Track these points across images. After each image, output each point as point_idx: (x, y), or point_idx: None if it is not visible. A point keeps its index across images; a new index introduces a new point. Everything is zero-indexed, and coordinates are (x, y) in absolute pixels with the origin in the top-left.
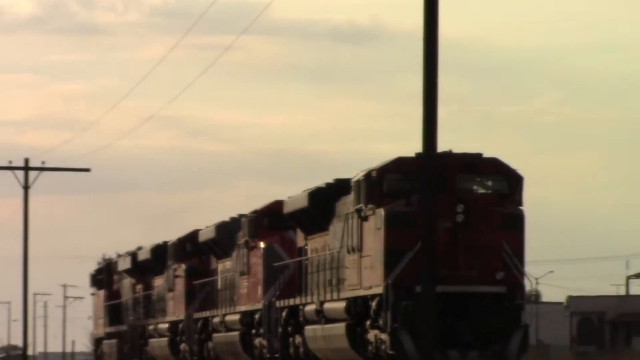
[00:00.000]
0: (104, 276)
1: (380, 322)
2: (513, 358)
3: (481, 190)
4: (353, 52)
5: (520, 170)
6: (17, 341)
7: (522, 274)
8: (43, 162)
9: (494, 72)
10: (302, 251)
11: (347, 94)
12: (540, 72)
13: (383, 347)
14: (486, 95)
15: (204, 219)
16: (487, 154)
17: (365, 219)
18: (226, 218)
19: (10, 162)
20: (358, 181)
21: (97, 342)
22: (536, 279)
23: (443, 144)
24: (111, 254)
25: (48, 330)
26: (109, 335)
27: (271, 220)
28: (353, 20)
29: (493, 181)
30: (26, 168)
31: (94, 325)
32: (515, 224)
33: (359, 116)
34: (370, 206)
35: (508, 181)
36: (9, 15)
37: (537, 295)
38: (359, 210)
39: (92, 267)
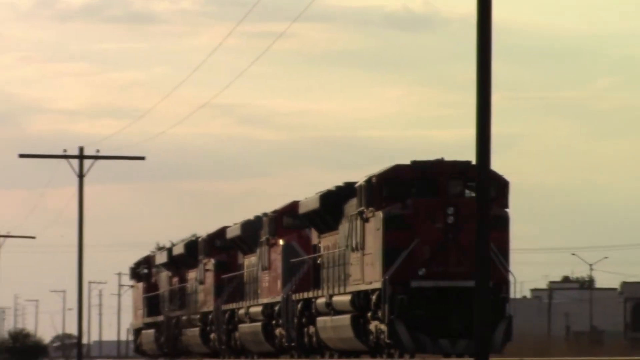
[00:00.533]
0: (143, 269)
1: (380, 313)
2: (498, 346)
3: (470, 195)
4: (407, 38)
5: (506, 176)
6: (72, 330)
7: (506, 270)
8: (97, 151)
9: (548, 58)
10: (315, 248)
11: (401, 81)
12: (596, 57)
13: (382, 336)
14: (540, 80)
15: (259, 206)
16: (542, 140)
17: (367, 220)
18: (277, 207)
19: (65, 150)
20: (360, 186)
21: (137, 332)
22: (590, 265)
23: (497, 130)
24: (165, 242)
25: (103, 318)
26: (147, 326)
27: (289, 219)
28: (407, 6)
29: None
30: (81, 157)
31: (133, 316)
32: (500, 224)
33: (414, 103)
34: (370, 209)
35: (494, 186)
36: (63, 4)
37: (591, 281)
38: (361, 213)
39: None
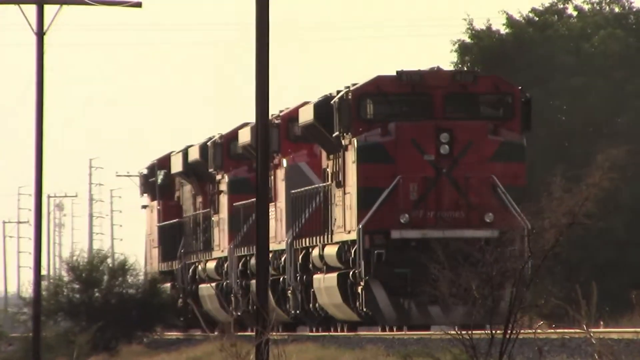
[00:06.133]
0: (158, 178)
1: (357, 272)
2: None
3: (472, 116)
4: None
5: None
6: None
7: (519, 214)
8: None
9: None
10: (324, 174)
11: None
12: None
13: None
14: None
15: None
16: None
17: (346, 148)
18: None
19: None
20: (335, 102)
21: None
22: None
23: None
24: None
25: None
26: (162, 275)
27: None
28: None
29: (487, 104)
30: None
31: (145, 258)
32: (512, 154)
33: None
34: (348, 134)
35: (505, 104)
36: None
37: None
38: (337, 138)
39: None
